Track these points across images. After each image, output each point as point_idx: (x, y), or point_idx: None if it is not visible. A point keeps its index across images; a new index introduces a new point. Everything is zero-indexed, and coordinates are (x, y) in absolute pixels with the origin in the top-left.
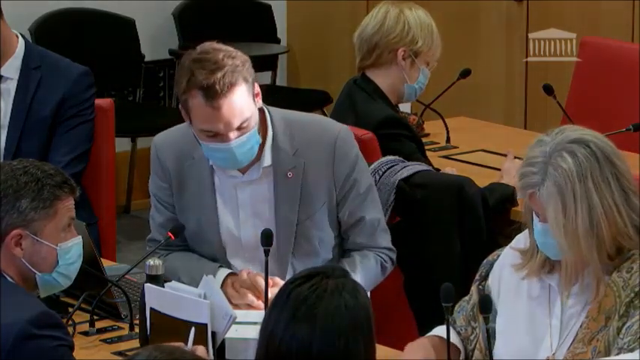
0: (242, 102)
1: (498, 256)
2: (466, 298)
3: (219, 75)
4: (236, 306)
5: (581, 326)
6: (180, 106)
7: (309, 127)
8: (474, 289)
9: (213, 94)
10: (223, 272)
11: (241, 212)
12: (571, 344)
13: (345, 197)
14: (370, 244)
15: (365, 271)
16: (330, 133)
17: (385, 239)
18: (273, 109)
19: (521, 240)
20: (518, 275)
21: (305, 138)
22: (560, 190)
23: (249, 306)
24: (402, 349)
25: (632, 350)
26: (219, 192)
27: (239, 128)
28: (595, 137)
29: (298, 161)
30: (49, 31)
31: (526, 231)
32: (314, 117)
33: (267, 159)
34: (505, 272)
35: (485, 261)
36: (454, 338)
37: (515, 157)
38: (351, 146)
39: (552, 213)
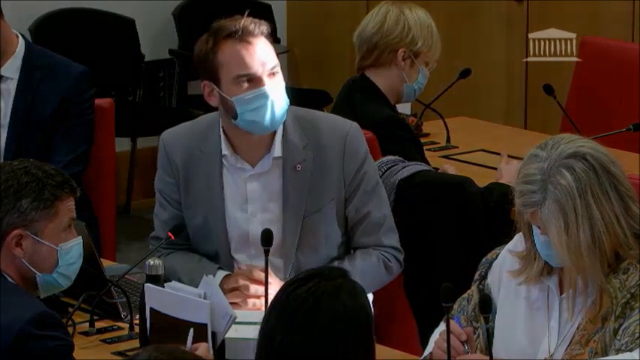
0: (271, 49)
1: (497, 255)
2: (465, 296)
3: (249, 20)
4: (236, 305)
5: (578, 328)
6: (203, 82)
7: (320, 123)
8: (474, 289)
9: (247, 33)
10: (221, 274)
11: (250, 206)
12: (568, 346)
13: (353, 193)
14: (374, 243)
15: (364, 268)
16: (341, 128)
17: (391, 238)
18: None
19: (519, 242)
20: (515, 281)
21: (315, 132)
22: (562, 208)
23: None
24: (402, 349)
25: (630, 351)
26: (227, 186)
27: (271, 74)
28: (590, 148)
29: (307, 154)
30: (49, 31)
31: (521, 234)
32: (323, 113)
33: (277, 150)
34: (504, 273)
35: (484, 259)
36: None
37: (512, 157)
38: (361, 143)
39: (555, 231)
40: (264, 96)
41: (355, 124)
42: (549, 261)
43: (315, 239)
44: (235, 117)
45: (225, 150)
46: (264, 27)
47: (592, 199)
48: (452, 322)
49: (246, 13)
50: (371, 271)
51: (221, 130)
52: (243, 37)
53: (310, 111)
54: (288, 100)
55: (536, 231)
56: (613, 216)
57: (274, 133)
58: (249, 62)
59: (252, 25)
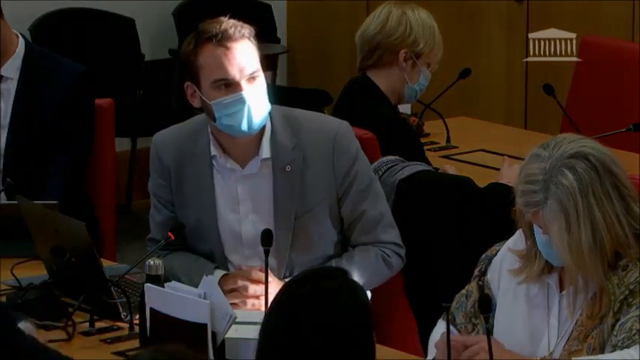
0: (253, 53)
1: (497, 251)
2: (463, 292)
3: (230, 24)
4: (236, 305)
5: (576, 324)
6: (186, 83)
7: (308, 122)
8: (473, 285)
9: (226, 37)
10: (219, 274)
11: (241, 207)
12: (566, 342)
13: (346, 192)
14: (372, 240)
15: (362, 265)
16: (330, 127)
17: (390, 234)
18: (271, 105)
19: (518, 240)
20: (515, 279)
21: (304, 132)
22: (564, 208)
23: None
24: (402, 349)
25: (626, 347)
26: (218, 188)
27: (250, 79)
28: (592, 148)
29: (297, 155)
30: (49, 31)
31: (521, 231)
32: (313, 113)
33: (265, 151)
34: (504, 270)
35: (483, 256)
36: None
37: (512, 157)
38: (351, 141)
39: (556, 231)
40: (242, 101)
41: (345, 123)
42: (551, 260)
43: (308, 239)
44: (215, 120)
45: (215, 151)
46: (246, 30)
47: (594, 199)
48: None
49: (228, 16)
50: (369, 267)
51: (209, 131)
52: (222, 41)
53: (299, 111)
54: (269, 105)
55: (537, 230)
56: (614, 216)
57: (262, 134)
58: (227, 67)
59: (233, 28)
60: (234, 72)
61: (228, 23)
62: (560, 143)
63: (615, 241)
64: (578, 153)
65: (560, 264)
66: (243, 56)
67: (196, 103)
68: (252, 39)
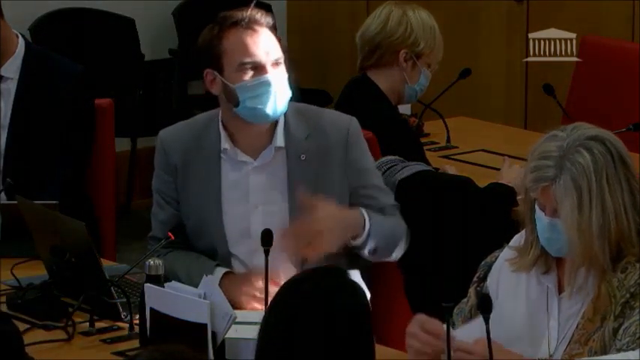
0: (275, 41)
1: (496, 257)
2: (464, 300)
3: (255, 10)
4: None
5: (577, 327)
6: (206, 70)
7: (321, 115)
8: (471, 290)
9: (253, 21)
10: (219, 272)
11: (252, 199)
12: (567, 345)
13: (357, 183)
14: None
15: (391, 222)
16: (342, 121)
17: (401, 221)
18: None
19: (518, 240)
20: (509, 269)
21: (317, 124)
22: (577, 186)
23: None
24: (401, 349)
25: (632, 351)
26: (226, 181)
27: (275, 64)
28: (610, 136)
29: (310, 145)
30: (49, 31)
31: (523, 231)
32: (323, 109)
33: (279, 140)
34: (503, 274)
35: (483, 262)
36: None
37: (512, 157)
38: (362, 136)
39: (568, 208)
40: (267, 83)
41: (355, 119)
42: (549, 247)
43: None
44: (237, 105)
45: (226, 144)
46: (270, 19)
47: (606, 184)
48: (429, 320)
49: (253, 4)
50: (396, 226)
51: (220, 124)
52: (250, 25)
53: (311, 106)
54: (290, 92)
55: (539, 214)
56: (622, 206)
57: (275, 124)
58: (254, 50)
59: (259, 14)
60: (261, 55)
61: (254, 10)
62: (578, 127)
63: (620, 233)
64: (596, 136)
65: (559, 253)
66: (269, 41)
67: (216, 90)
68: (274, 29)
